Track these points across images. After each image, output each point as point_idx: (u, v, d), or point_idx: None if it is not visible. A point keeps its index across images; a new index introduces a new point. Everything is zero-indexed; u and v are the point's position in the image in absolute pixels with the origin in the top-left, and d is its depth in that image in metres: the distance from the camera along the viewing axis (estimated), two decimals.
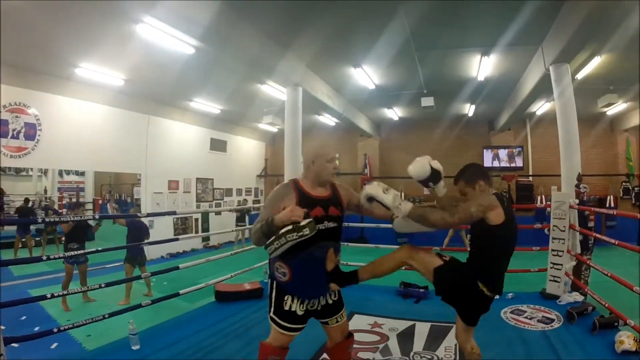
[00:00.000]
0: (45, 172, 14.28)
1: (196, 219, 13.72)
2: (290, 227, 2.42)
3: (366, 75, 9.29)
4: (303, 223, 2.42)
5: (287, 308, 2.69)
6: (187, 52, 6.94)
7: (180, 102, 11.75)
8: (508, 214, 2.65)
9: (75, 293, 5.06)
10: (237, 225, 13.26)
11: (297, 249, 2.48)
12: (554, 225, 5.92)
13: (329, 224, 2.71)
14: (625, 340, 3.87)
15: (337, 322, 2.86)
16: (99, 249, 4.60)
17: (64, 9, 5.62)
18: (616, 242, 4.62)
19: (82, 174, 15.90)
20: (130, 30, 6.11)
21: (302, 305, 2.70)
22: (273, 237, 2.47)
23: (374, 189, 2.71)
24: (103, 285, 4.23)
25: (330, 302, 2.83)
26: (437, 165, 2.99)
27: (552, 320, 4.89)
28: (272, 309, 2.75)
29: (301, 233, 2.40)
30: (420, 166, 2.95)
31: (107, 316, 4.09)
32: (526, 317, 5.03)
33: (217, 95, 11.21)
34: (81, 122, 9.51)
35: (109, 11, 5.65)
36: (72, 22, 6.04)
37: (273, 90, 9.80)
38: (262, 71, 8.16)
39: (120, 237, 7.46)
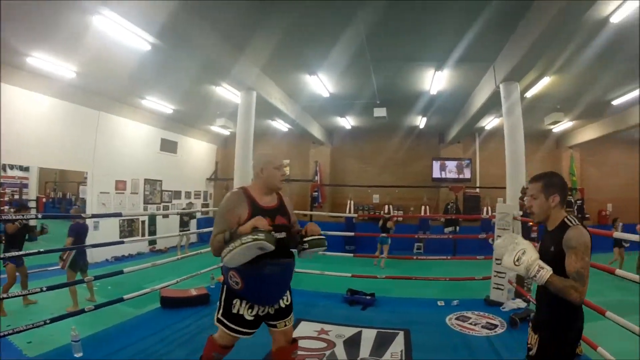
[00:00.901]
0: None
1: (143, 222, 13.26)
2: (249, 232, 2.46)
3: (321, 83, 9.33)
4: (262, 230, 2.44)
5: (234, 311, 2.73)
6: (143, 48, 6.76)
7: (132, 100, 11.37)
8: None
9: (15, 297, 4.82)
10: (180, 230, 12.85)
11: (250, 262, 2.49)
12: (498, 236, 6.11)
13: (276, 234, 2.67)
14: None
15: (285, 325, 2.88)
16: (41, 250, 4.39)
17: None
18: None
19: (27, 169, 15.17)
20: (87, 21, 5.89)
21: (250, 310, 2.74)
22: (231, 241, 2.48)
23: (508, 263, 2.33)
24: (44, 288, 4.04)
25: (282, 306, 2.86)
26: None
27: (496, 326, 5.08)
28: (220, 311, 2.78)
29: (255, 237, 2.39)
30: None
31: (48, 322, 3.90)
32: (471, 323, 5.19)
33: (171, 94, 10.96)
34: (28, 113, 8.98)
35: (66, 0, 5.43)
36: (27, 8, 5.72)
37: (227, 92, 9.68)
38: (217, 73, 8.06)
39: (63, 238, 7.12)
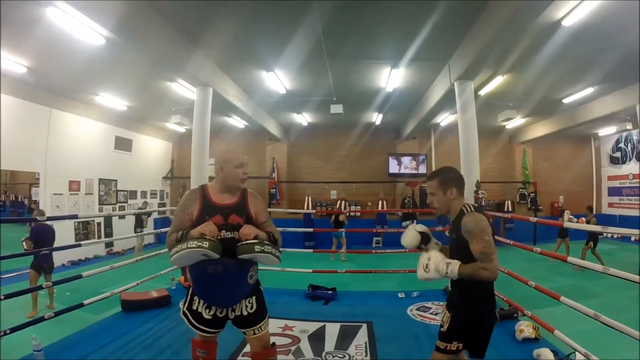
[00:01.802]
0: None
1: (98, 224, 12.87)
2: (196, 237, 2.44)
3: (277, 80, 9.33)
4: (207, 238, 2.44)
5: (194, 307, 2.76)
6: (97, 42, 6.50)
7: (84, 96, 10.92)
8: (490, 223, 2.57)
9: None
10: (135, 231, 12.30)
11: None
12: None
13: (227, 233, 2.64)
14: (524, 329, 4.44)
15: (254, 333, 2.82)
16: None
17: None
18: (511, 242, 5.18)
19: None
20: (39, 13, 5.64)
21: (208, 310, 2.74)
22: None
23: (421, 274, 2.58)
24: (2, 297, 3.89)
25: (245, 313, 2.78)
26: (422, 228, 2.91)
27: None
28: (186, 304, 2.81)
29: (200, 244, 2.38)
30: (410, 237, 2.86)
31: (8, 332, 3.73)
32: (431, 313, 5.43)
33: (125, 90, 10.63)
34: None
35: None
36: None
37: (183, 89, 9.49)
38: (172, 68, 7.84)
39: (17, 243, 6.79)
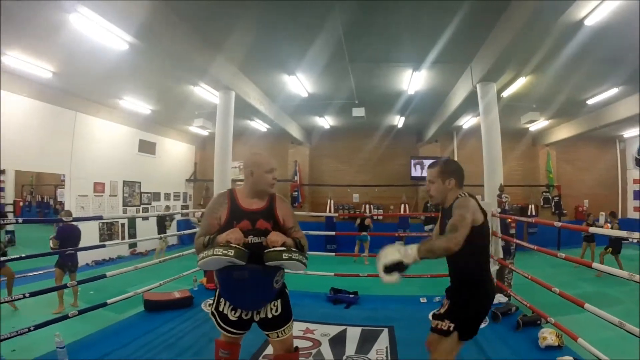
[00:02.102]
0: None
1: (123, 225, 13.13)
2: (223, 244, 2.46)
3: (299, 83, 9.36)
4: (233, 245, 2.44)
5: (220, 309, 2.79)
6: (121, 48, 6.60)
7: (109, 100, 11.22)
8: (484, 211, 2.65)
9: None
10: (158, 233, 12.31)
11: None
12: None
13: (254, 238, 2.65)
14: (547, 336, 4.28)
15: (277, 337, 2.82)
16: (22, 255, 4.32)
17: None
18: (535, 247, 5.05)
19: (3, 172, 14.80)
20: (63, 19, 5.75)
21: (233, 312, 2.76)
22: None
23: (386, 278, 2.50)
24: (27, 295, 3.98)
25: (270, 316, 2.79)
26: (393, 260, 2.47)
27: None
28: (214, 305, 2.84)
29: (225, 252, 2.40)
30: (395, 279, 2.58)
31: (32, 329, 3.81)
32: None
33: (149, 94, 10.85)
34: (3, 115, 8.67)
35: None
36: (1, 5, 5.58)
37: (205, 92, 9.56)
38: (195, 72, 7.97)
39: (43, 243, 6.97)
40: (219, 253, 2.40)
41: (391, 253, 2.41)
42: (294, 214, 2.96)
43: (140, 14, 5.39)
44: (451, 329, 2.59)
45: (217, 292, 2.84)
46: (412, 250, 2.35)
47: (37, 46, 7.20)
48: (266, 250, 2.54)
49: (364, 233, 10.70)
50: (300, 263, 2.57)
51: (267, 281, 2.66)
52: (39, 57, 7.77)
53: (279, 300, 2.85)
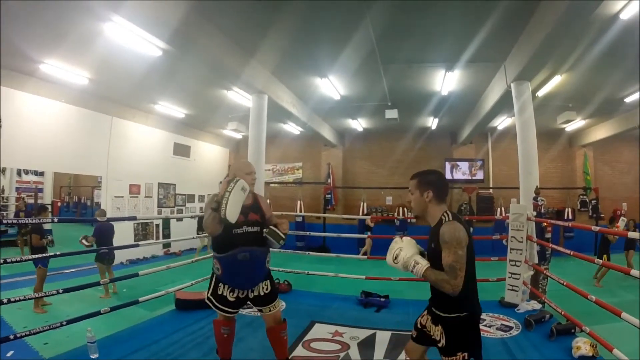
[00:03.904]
0: (3, 170, 13.64)
1: (157, 225, 13.43)
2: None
3: (331, 86, 9.36)
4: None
5: (219, 292, 3.40)
6: (154, 54, 6.78)
7: (144, 105, 11.53)
8: (468, 231, 2.49)
9: (32, 299, 4.92)
10: (198, 234, 12.64)
11: (226, 251, 3.22)
12: (512, 237, 6.06)
13: (248, 228, 3.32)
14: (581, 346, 4.08)
15: (270, 311, 3.48)
16: (57, 252, 4.47)
17: (30, 3, 5.44)
18: (571, 253, 4.82)
19: (42, 174, 15.38)
20: (98, 28, 5.95)
21: (232, 293, 3.39)
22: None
23: (389, 261, 2.61)
24: (60, 291, 4.10)
25: (262, 294, 3.46)
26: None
27: (511, 327, 5.03)
28: (210, 292, 3.47)
29: (233, 183, 3.08)
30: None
31: (64, 323, 3.94)
32: (485, 325, 5.13)
33: (182, 99, 11.08)
34: (42, 120, 9.18)
35: (77, 8, 5.47)
36: (39, 16, 5.85)
37: (238, 96, 9.70)
38: (228, 77, 8.07)
39: (77, 241, 7.18)
40: (231, 187, 3.05)
41: (409, 250, 2.51)
42: (270, 207, 3.77)
43: (173, 21, 5.49)
44: (466, 357, 2.49)
45: (212, 280, 3.48)
46: (422, 265, 2.42)
47: (74, 54, 7.45)
48: (272, 228, 3.33)
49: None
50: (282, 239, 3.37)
51: (262, 260, 3.41)
52: (76, 65, 8.04)
53: (267, 280, 3.55)
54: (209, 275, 6.38)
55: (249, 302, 3.50)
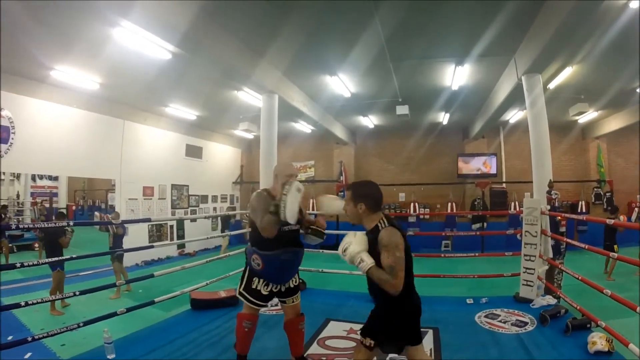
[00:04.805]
0: (18, 176, 13.85)
1: (171, 226, 13.54)
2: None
3: (342, 84, 9.35)
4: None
5: (254, 287, 3.51)
6: (164, 57, 6.85)
7: (155, 108, 11.62)
8: (404, 236, 2.66)
9: (49, 301, 4.99)
10: (222, 232, 13.14)
11: (271, 250, 3.32)
12: (526, 231, 6.02)
13: (292, 226, 3.41)
14: (597, 341, 4.02)
15: (292, 302, 3.67)
16: (73, 256, 4.53)
17: (40, 10, 5.51)
18: (586, 247, 4.75)
19: (56, 178, 15.55)
20: (107, 33, 6.02)
21: (266, 287, 3.51)
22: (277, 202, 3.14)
23: (339, 252, 2.76)
24: (77, 293, 4.15)
25: (292, 286, 3.65)
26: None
27: (526, 323, 4.99)
28: (242, 286, 3.58)
29: (288, 184, 3.16)
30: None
31: (81, 325, 4.00)
32: (500, 321, 5.11)
33: (193, 101, 11.14)
34: (55, 125, 9.30)
35: (86, 13, 5.55)
36: (48, 23, 5.92)
37: (249, 97, 9.70)
38: (238, 77, 8.10)
39: (92, 244, 7.29)
40: (288, 189, 3.13)
41: (358, 247, 2.63)
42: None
43: (183, 25, 5.52)
44: (372, 345, 2.80)
45: (246, 276, 3.59)
46: (367, 263, 2.57)
47: (85, 60, 7.52)
48: (314, 227, 3.54)
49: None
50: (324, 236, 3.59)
51: (300, 259, 3.60)
52: (87, 70, 8.13)
53: (297, 274, 3.76)
54: (223, 275, 6.49)
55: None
